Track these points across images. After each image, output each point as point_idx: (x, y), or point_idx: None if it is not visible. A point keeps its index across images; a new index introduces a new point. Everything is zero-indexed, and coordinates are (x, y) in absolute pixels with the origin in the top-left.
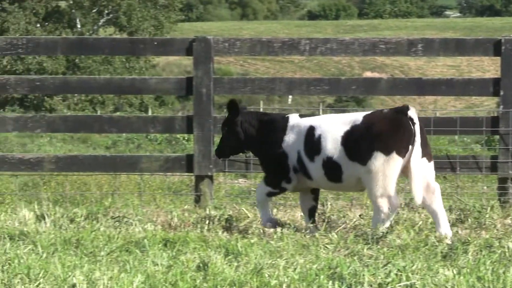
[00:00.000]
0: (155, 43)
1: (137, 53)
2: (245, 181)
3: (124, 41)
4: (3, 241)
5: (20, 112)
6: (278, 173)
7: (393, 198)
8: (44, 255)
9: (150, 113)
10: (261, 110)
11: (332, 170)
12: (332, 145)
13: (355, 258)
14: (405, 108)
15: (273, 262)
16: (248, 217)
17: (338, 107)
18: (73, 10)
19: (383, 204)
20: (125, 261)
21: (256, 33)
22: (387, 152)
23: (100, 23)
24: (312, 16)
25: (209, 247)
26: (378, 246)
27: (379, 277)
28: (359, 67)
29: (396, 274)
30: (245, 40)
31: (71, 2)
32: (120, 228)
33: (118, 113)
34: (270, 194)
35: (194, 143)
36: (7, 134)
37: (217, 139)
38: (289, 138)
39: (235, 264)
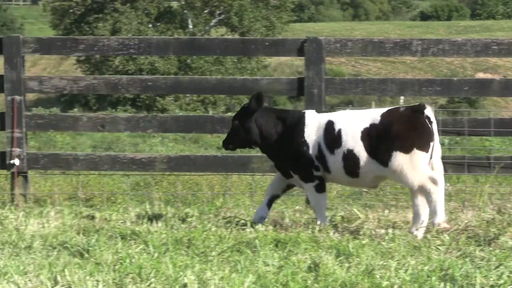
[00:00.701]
0: (267, 43)
1: (248, 53)
2: None
3: (236, 42)
4: (115, 241)
5: (132, 112)
6: (305, 164)
7: (434, 177)
8: (156, 254)
9: None
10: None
11: (350, 165)
12: (352, 141)
13: (467, 259)
14: (422, 107)
15: (385, 263)
16: (359, 218)
17: (450, 108)
18: (185, 11)
19: (428, 185)
20: (236, 261)
21: (367, 33)
22: (407, 151)
23: (211, 24)
24: (424, 17)
25: (320, 248)
26: (490, 248)
27: (491, 279)
28: (471, 68)
29: (509, 276)
30: (357, 41)
31: (183, 2)
32: (231, 228)
33: (229, 114)
34: (318, 189)
35: None
36: (119, 134)
37: None
38: (309, 132)
39: (346, 265)
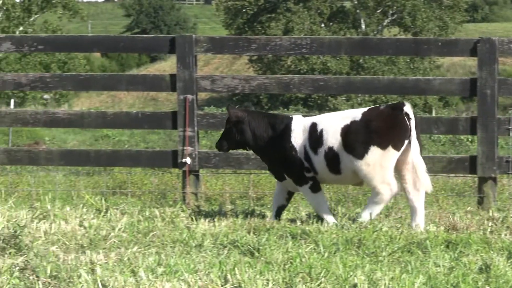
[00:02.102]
0: (439, 43)
1: (421, 53)
2: None
3: (408, 42)
4: (285, 240)
5: (304, 111)
6: (297, 166)
7: (393, 185)
8: (326, 254)
9: (433, 114)
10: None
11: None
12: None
13: None
14: (401, 104)
15: None
16: None
17: None
18: (358, 11)
19: (384, 189)
20: (406, 261)
21: None
22: (383, 147)
23: (384, 24)
24: None
25: (491, 249)
26: None
27: None
28: None
29: None
30: None
31: (356, 2)
32: (401, 229)
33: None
34: (313, 189)
35: (478, 144)
36: None
37: (501, 140)
38: (295, 137)
39: None
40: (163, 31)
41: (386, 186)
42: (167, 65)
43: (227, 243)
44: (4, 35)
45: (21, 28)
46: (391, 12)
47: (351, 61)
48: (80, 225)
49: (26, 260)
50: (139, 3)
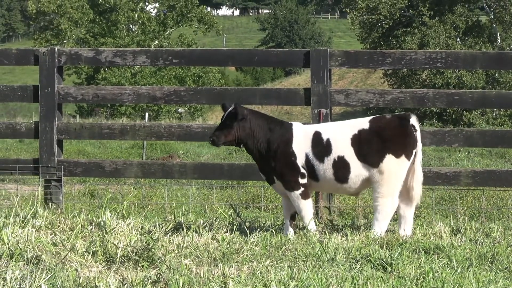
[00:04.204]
0: None
1: None
2: None
3: None
4: (418, 255)
5: (438, 126)
6: (293, 172)
7: (395, 199)
8: (459, 269)
9: None
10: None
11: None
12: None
13: None
14: (408, 115)
15: None
16: None
17: None
18: (494, 25)
19: (389, 202)
20: None
21: None
22: (398, 155)
23: None
24: None
25: None
26: None
27: None
28: None
29: None
30: None
31: (492, 16)
32: None
33: None
34: (304, 196)
35: None
36: (425, 148)
37: None
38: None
39: None
40: (297, 45)
41: (392, 199)
42: (301, 79)
43: (360, 257)
44: (139, 48)
45: (156, 42)
46: None
47: (486, 75)
48: (213, 239)
49: (159, 273)
50: (274, 17)
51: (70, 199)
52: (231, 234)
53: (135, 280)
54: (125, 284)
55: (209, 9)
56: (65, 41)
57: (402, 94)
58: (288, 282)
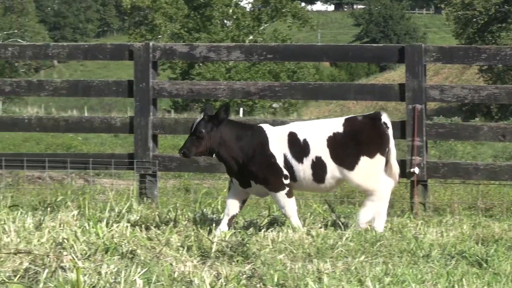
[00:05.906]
0: None
1: None
2: None
3: None
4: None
5: None
6: (276, 173)
7: (387, 181)
8: None
9: None
10: None
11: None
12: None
13: None
14: (379, 114)
15: None
16: None
17: None
18: None
19: (380, 187)
20: None
21: None
22: (372, 156)
23: None
24: None
25: None
26: None
27: None
28: None
29: None
30: None
31: None
32: None
33: None
34: (288, 195)
35: None
36: None
37: None
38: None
39: None
40: (392, 41)
41: (382, 184)
42: (396, 75)
43: (455, 253)
44: (233, 44)
45: (250, 37)
46: None
47: None
48: (308, 234)
49: (254, 268)
50: (369, 13)
51: (165, 194)
52: (325, 230)
53: (230, 275)
54: (219, 279)
55: (303, 4)
56: (159, 36)
57: (498, 90)
58: (383, 278)
